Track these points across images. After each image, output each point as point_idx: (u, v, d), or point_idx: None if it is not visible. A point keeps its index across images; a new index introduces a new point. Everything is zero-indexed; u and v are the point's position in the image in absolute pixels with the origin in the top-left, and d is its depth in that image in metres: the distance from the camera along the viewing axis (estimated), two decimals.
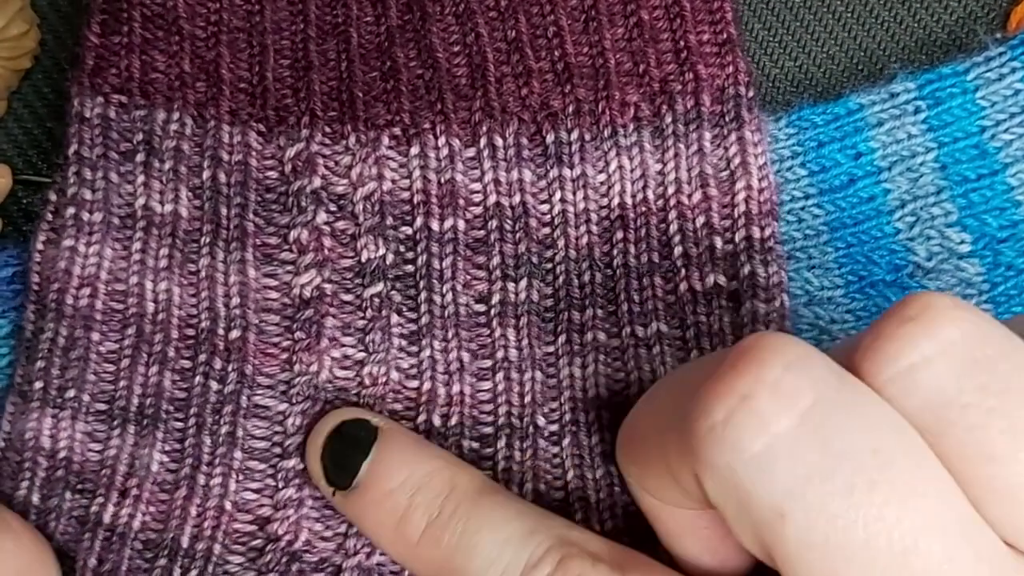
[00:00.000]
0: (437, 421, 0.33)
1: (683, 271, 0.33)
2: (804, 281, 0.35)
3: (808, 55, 0.39)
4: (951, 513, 0.23)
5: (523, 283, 0.34)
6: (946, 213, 0.34)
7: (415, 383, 0.33)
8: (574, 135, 0.34)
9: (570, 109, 0.35)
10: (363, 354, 0.33)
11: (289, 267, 0.34)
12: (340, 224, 0.34)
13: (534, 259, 0.34)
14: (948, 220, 0.34)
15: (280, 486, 0.33)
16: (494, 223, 0.34)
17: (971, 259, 0.34)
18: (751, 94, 0.34)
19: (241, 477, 0.33)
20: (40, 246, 0.34)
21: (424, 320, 0.34)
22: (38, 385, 0.33)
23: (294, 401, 0.33)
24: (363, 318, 0.34)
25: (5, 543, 0.31)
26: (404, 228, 0.34)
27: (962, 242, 0.34)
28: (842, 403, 0.23)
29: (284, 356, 0.34)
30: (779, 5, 0.39)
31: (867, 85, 0.36)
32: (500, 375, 0.33)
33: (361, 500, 0.31)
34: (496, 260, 0.34)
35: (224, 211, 0.34)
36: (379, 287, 0.34)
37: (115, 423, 0.33)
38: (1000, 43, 0.35)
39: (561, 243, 0.34)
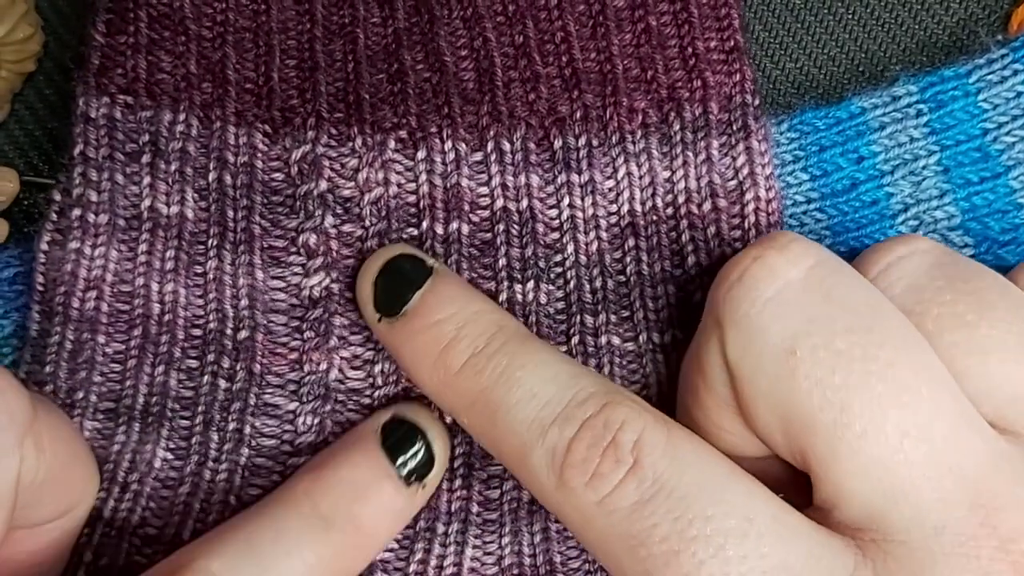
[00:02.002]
0: (449, 418, 0.33)
1: (697, 280, 0.34)
2: None
3: (809, 57, 0.39)
4: (939, 369, 0.26)
5: (530, 285, 0.34)
6: (949, 217, 0.34)
7: None
8: (582, 141, 0.34)
9: (578, 115, 0.35)
10: (372, 352, 0.34)
11: (297, 269, 0.34)
12: (347, 227, 0.34)
13: (540, 263, 0.34)
14: (951, 224, 0.34)
15: None
16: (501, 227, 0.34)
17: None
18: (757, 102, 0.34)
19: (247, 474, 0.33)
20: (44, 247, 0.34)
21: None
22: (47, 388, 0.33)
23: (304, 400, 0.33)
24: None
25: (60, 431, 0.30)
26: (410, 230, 0.34)
27: (965, 246, 0.34)
28: (840, 269, 0.27)
29: (293, 356, 0.34)
30: (780, 7, 0.39)
31: (868, 88, 0.36)
32: None
33: (406, 328, 0.31)
34: (502, 263, 0.34)
35: (231, 213, 0.34)
36: None
37: (121, 420, 0.33)
38: (1002, 45, 0.35)
39: (570, 248, 0.34)
